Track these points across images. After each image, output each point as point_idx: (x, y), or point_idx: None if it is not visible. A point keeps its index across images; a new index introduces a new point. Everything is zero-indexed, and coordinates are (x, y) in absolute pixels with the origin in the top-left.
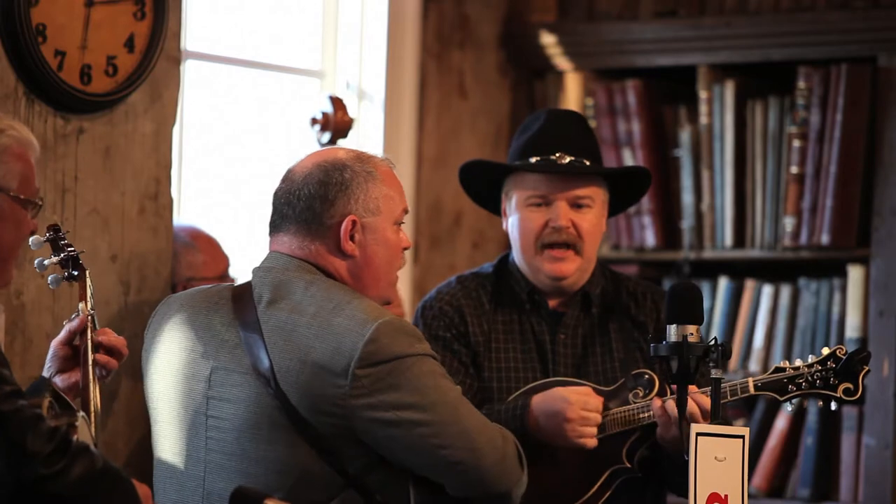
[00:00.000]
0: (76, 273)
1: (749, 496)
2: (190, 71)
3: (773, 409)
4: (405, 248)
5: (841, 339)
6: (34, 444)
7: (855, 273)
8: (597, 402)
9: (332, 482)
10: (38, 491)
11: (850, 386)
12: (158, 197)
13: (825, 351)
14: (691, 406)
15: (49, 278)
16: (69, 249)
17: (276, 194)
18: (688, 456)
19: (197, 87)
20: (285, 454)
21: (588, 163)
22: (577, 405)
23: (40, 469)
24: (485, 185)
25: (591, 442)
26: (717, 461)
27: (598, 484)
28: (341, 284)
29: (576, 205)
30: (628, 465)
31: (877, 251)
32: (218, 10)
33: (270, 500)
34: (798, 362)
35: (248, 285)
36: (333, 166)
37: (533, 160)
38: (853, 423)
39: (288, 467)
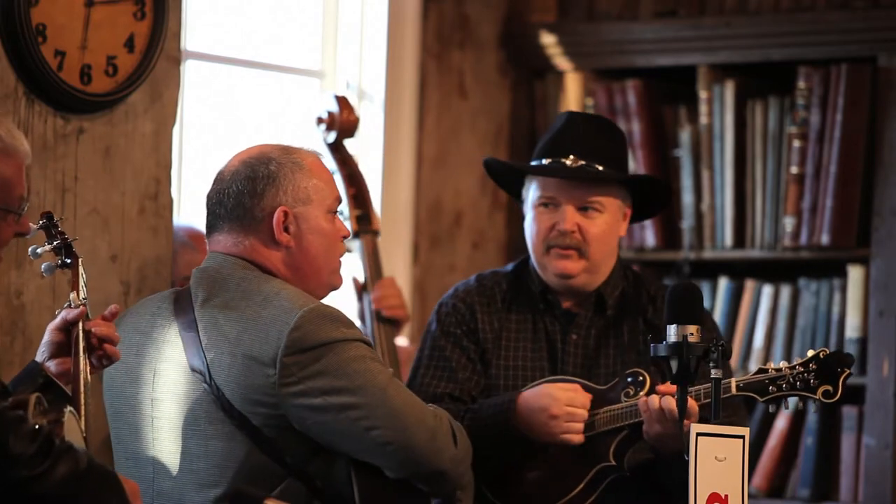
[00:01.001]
0: (69, 261)
1: (749, 496)
2: (190, 71)
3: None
4: (344, 237)
5: (841, 339)
6: (16, 446)
7: (855, 273)
8: (583, 398)
9: (273, 473)
10: (22, 493)
11: (830, 388)
12: (158, 197)
13: (810, 353)
14: (671, 403)
15: (42, 266)
16: (63, 237)
17: (207, 196)
18: (688, 456)
19: (197, 87)
20: (224, 448)
21: (602, 168)
22: (563, 401)
23: (23, 471)
24: (510, 179)
25: (577, 438)
26: (717, 461)
27: (585, 482)
28: (274, 278)
29: (584, 208)
30: (614, 464)
31: (877, 251)
32: (218, 10)
33: (270, 500)
34: (782, 364)
35: (187, 287)
36: (259, 160)
37: (545, 161)
38: (853, 423)
39: (227, 460)
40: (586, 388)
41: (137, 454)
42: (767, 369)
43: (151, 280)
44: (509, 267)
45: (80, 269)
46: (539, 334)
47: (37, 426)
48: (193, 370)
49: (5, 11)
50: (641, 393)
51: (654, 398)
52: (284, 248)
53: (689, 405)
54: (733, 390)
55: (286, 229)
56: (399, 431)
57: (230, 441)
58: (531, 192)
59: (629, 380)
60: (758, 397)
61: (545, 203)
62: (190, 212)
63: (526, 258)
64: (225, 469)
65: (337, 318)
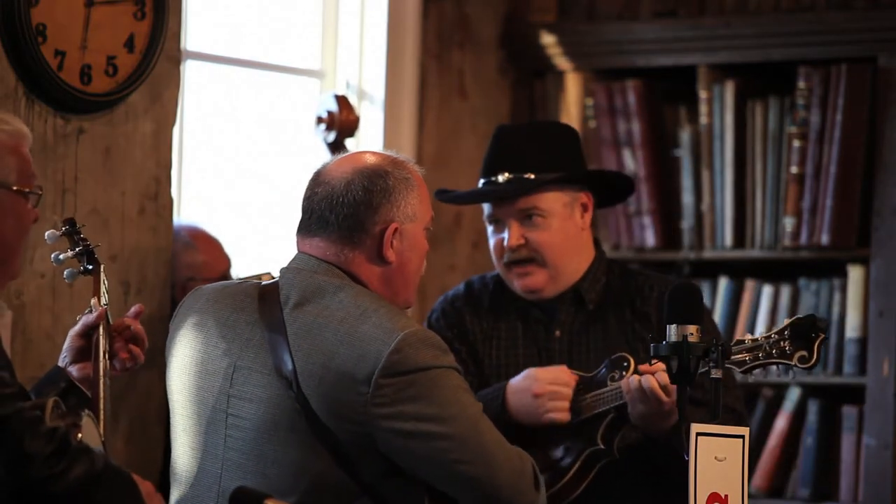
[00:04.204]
0: (91, 267)
1: (749, 496)
2: (190, 71)
3: (773, 409)
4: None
5: (841, 339)
6: (32, 446)
7: (855, 273)
8: (567, 377)
9: (347, 489)
10: (38, 493)
11: (805, 353)
12: (158, 197)
13: (786, 321)
14: (651, 382)
15: (65, 272)
16: (85, 243)
17: (312, 199)
18: (688, 456)
19: (197, 87)
20: (302, 458)
21: (534, 175)
22: (546, 380)
23: (39, 471)
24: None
25: (561, 416)
26: (717, 461)
27: (576, 467)
28: (369, 291)
29: (528, 217)
30: (603, 447)
31: (877, 251)
32: (218, 10)
33: (271, 500)
34: (758, 334)
35: (274, 285)
36: (375, 173)
37: (481, 183)
38: (853, 423)
39: (303, 471)
40: (571, 373)
41: (206, 448)
42: (744, 340)
43: (151, 280)
44: (497, 270)
45: (102, 276)
46: (527, 332)
47: (54, 427)
48: (280, 375)
49: (5, 11)
50: (626, 375)
51: (634, 378)
52: (387, 264)
53: (666, 381)
54: None
55: (391, 245)
56: (486, 468)
57: (309, 452)
58: (483, 212)
59: (614, 364)
60: (736, 368)
61: (492, 223)
62: (190, 212)
63: None
64: (300, 479)
65: (436, 344)
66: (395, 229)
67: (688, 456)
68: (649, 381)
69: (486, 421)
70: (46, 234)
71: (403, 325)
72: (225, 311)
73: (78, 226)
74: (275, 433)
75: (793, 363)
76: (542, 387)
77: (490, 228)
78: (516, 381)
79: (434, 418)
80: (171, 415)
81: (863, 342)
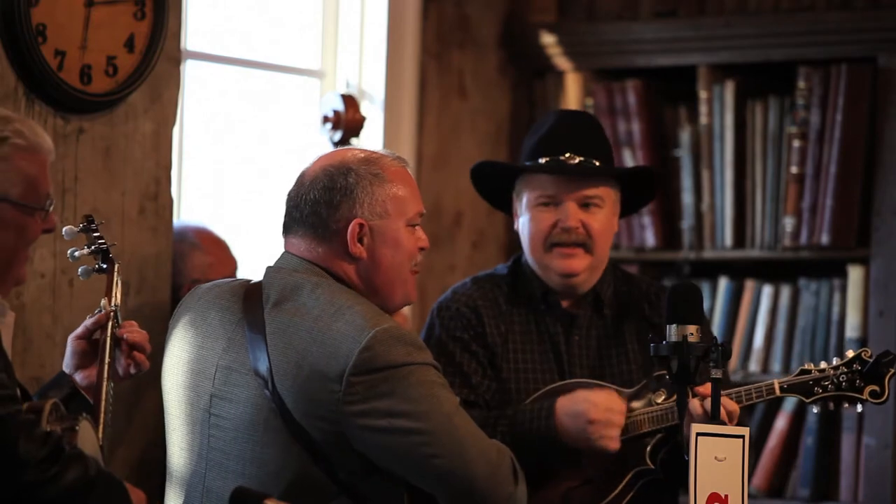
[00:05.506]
0: (105, 266)
1: (749, 496)
2: (190, 71)
3: (773, 409)
4: (422, 249)
5: (841, 339)
6: (26, 450)
7: (855, 273)
8: (621, 405)
9: (325, 487)
10: (30, 497)
11: (877, 388)
12: (158, 197)
13: (850, 354)
14: (698, 407)
15: (79, 269)
16: (100, 242)
17: (287, 196)
18: (688, 456)
19: (197, 87)
20: (279, 457)
21: (598, 163)
22: (601, 406)
23: (32, 475)
24: (496, 185)
25: (614, 444)
26: (717, 461)
27: (622, 485)
28: (347, 288)
29: (585, 205)
30: (651, 466)
31: (877, 251)
32: (218, 10)
33: (270, 500)
34: (823, 364)
35: (259, 284)
36: (338, 170)
37: (542, 160)
38: (853, 423)
39: (282, 470)
40: (617, 393)
41: (191, 447)
42: (810, 370)
43: (151, 280)
44: (502, 269)
45: (116, 276)
46: (543, 336)
47: (48, 431)
48: (257, 374)
49: (5, 11)
50: (675, 396)
51: (696, 402)
52: (357, 260)
53: (731, 408)
54: (777, 392)
55: (360, 241)
56: (460, 462)
57: (285, 451)
58: (526, 194)
59: (659, 382)
60: (804, 398)
61: (545, 202)
62: (190, 212)
63: (517, 259)
64: (278, 478)
65: (409, 340)
66: (360, 225)
67: (688, 456)
68: (698, 408)
69: (462, 415)
70: (64, 229)
71: (375, 323)
72: (213, 310)
73: (95, 223)
74: (253, 433)
75: (864, 397)
76: (599, 413)
77: (535, 211)
78: (568, 403)
79: (407, 414)
80: (165, 414)
81: (863, 342)
